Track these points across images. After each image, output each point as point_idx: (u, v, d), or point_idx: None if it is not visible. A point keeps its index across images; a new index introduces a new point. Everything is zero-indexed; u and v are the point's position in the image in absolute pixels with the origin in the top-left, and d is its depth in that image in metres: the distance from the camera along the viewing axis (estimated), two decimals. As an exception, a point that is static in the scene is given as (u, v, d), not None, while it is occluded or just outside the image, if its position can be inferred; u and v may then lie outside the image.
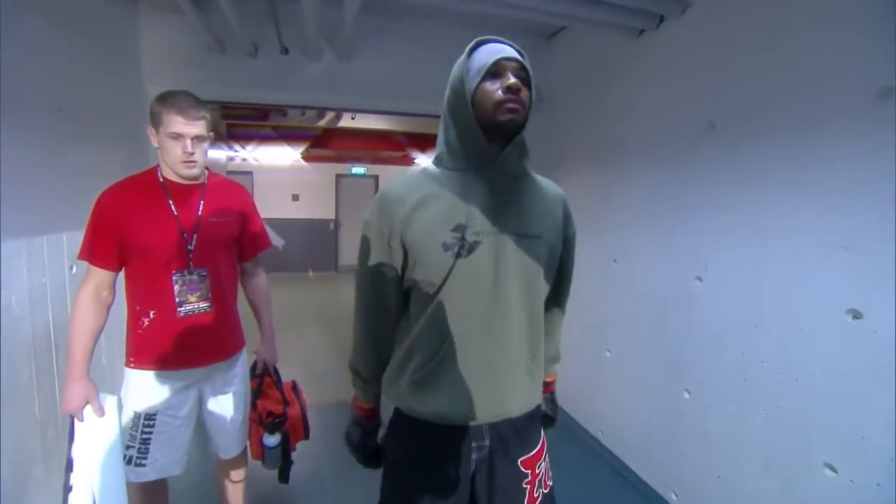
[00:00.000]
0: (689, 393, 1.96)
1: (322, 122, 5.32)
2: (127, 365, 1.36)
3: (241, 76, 2.66)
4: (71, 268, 1.74)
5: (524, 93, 0.87)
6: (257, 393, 1.61)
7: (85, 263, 1.29)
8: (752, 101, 1.65)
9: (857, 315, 1.32)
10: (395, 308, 0.98)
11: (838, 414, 1.36)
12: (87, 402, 1.22)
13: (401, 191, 0.93)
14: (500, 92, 0.85)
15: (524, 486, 0.98)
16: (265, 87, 2.72)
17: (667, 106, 2.09)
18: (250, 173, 7.97)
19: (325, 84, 2.80)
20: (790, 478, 1.50)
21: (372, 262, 0.95)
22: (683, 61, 1.99)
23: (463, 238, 0.88)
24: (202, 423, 1.51)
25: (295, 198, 8.46)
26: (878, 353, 1.26)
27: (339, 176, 8.57)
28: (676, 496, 2.02)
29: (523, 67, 0.88)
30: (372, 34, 2.76)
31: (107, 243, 1.27)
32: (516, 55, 0.88)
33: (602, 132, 2.60)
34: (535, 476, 0.99)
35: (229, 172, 6.28)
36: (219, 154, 3.76)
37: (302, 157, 7.43)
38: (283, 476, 1.67)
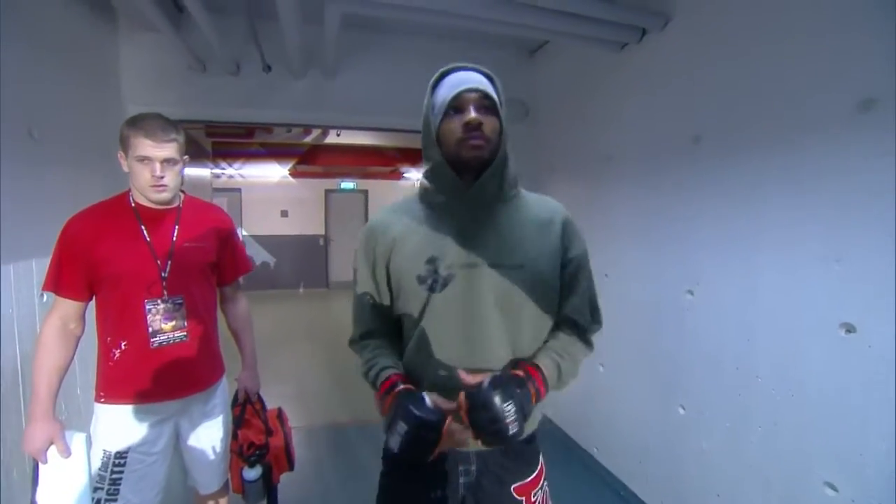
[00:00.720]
0: (685, 409, 1.92)
1: (309, 139, 5.29)
2: (97, 400, 1.29)
3: (224, 95, 2.62)
4: (41, 296, 1.67)
5: (489, 125, 0.84)
6: (238, 422, 1.54)
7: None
8: (737, 114, 1.64)
9: (850, 329, 1.29)
10: (388, 335, 1.01)
11: (836, 431, 1.33)
12: (51, 443, 1.15)
13: (384, 222, 0.96)
14: (460, 129, 0.83)
15: None
16: (248, 106, 2.69)
17: (652, 119, 2.09)
18: (238, 190, 7.91)
19: (310, 101, 2.77)
20: (790, 497, 1.46)
21: (360, 290, 0.99)
22: (666, 75, 1.99)
23: (436, 272, 0.88)
24: (180, 457, 1.43)
25: (284, 214, 8.39)
26: (874, 369, 1.23)
27: (328, 191, 8.53)
28: (674, 515, 1.97)
29: (487, 96, 0.85)
30: (355, 51, 2.75)
31: (74, 272, 1.21)
32: (478, 84, 0.85)
33: (588, 146, 2.60)
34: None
35: (216, 190, 6.21)
36: (203, 172, 3.69)
37: (290, 174, 7.39)
38: (268, 510, 1.60)
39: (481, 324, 0.89)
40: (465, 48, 2.95)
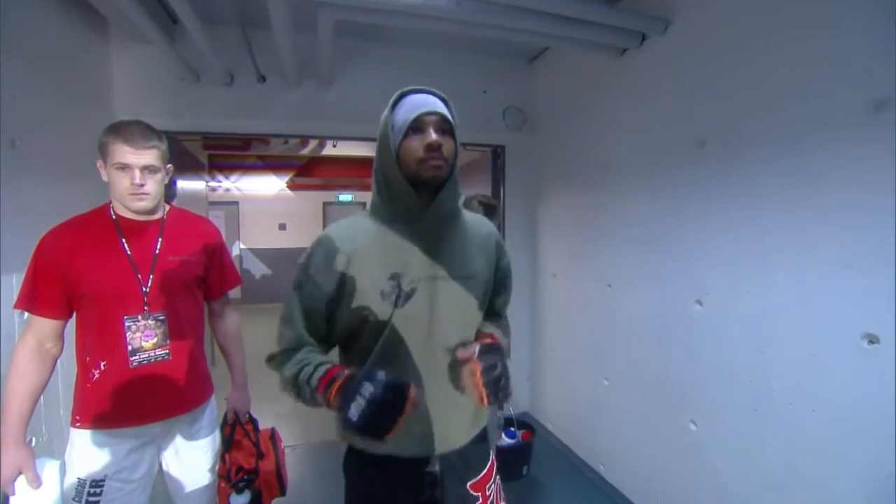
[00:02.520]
0: (696, 425, 1.84)
1: (306, 151, 5.25)
2: (72, 424, 1.20)
3: (217, 105, 2.58)
4: (23, 314, 1.59)
5: (447, 146, 0.89)
6: (227, 444, 1.46)
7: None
8: (743, 117, 1.59)
9: (873, 339, 1.22)
10: (323, 350, 1.00)
11: (863, 449, 1.25)
12: (20, 473, 1.07)
13: (339, 237, 0.94)
14: (421, 150, 0.87)
15: None
16: (242, 116, 2.64)
17: (653, 125, 2.04)
18: (236, 203, 7.86)
19: (305, 111, 2.73)
20: (817, 521, 1.37)
21: (300, 303, 0.95)
22: (668, 79, 1.95)
23: (399, 287, 0.91)
24: (163, 485, 1.35)
25: (282, 227, 8.32)
26: (902, 382, 1.16)
27: (326, 204, 8.47)
28: (688, 536, 1.87)
29: (445, 119, 0.89)
30: (351, 60, 2.72)
31: (51, 288, 1.14)
32: (438, 108, 0.89)
33: (588, 153, 2.55)
34: (485, 498, 1.03)
35: (212, 204, 6.16)
36: (199, 185, 3.64)
37: (287, 186, 7.35)
38: (257, 538, 1.50)
39: (441, 328, 0.94)
40: (462, 57, 2.93)
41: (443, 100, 0.93)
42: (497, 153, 3.17)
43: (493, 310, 1.11)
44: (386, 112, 0.91)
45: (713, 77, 1.71)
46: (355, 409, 0.75)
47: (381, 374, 0.79)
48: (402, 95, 0.92)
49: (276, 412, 3.40)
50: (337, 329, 0.97)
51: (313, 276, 0.93)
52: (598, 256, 2.48)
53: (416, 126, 0.88)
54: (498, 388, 0.85)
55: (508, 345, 1.08)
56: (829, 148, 1.32)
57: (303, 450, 2.88)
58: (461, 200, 0.98)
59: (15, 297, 1.55)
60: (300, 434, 3.02)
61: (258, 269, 8.10)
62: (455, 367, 0.94)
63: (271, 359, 1.00)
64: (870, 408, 1.23)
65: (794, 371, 1.43)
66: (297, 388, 0.92)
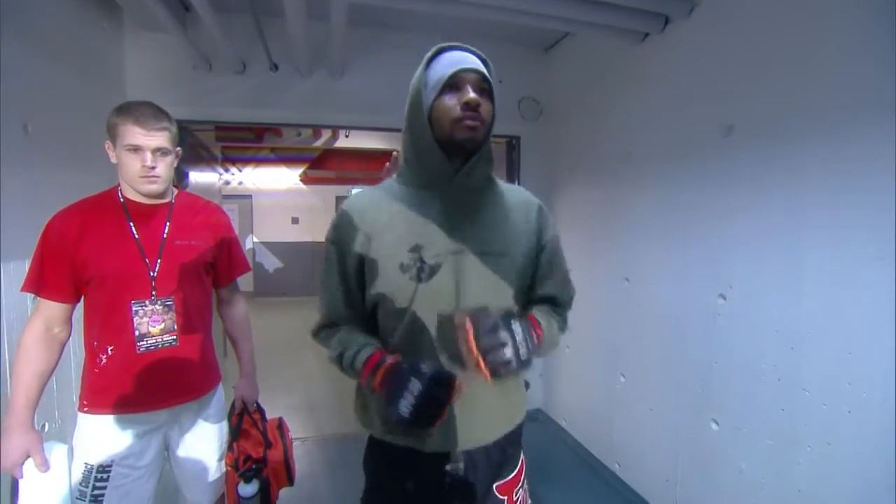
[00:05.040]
0: (718, 424, 1.77)
1: (319, 143, 5.24)
2: (80, 409, 1.18)
3: (230, 94, 2.56)
4: (34, 299, 1.59)
5: (485, 108, 0.82)
6: (235, 433, 1.43)
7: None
8: (774, 101, 1.51)
9: (916, 336, 1.14)
10: (359, 323, 0.96)
11: (902, 452, 1.17)
12: (28, 456, 1.05)
13: (360, 207, 0.91)
14: (458, 108, 0.80)
15: None
16: (255, 105, 2.62)
17: (676, 112, 1.96)
18: (249, 197, 7.91)
19: (317, 100, 2.70)
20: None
21: (331, 277, 0.93)
22: (693, 64, 1.86)
23: (421, 259, 0.84)
24: (171, 472, 1.33)
25: (295, 221, 8.35)
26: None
27: (339, 198, 8.46)
28: (708, 539, 1.81)
29: (485, 79, 0.83)
30: (363, 48, 2.68)
31: (58, 271, 1.12)
32: (477, 66, 0.83)
33: (606, 143, 2.47)
34: (512, 503, 0.97)
35: (226, 196, 6.20)
36: (213, 178, 3.65)
37: (301, 180, 7.35)
38: (266, 529, 1.48)
39: (468, 309, 0.84)
40: (478, 45, 2.81)
41: (483, 60, 0.86)
42: (512, 144, 3.11)
43: (544, 295, 0.98)
44: (420, 69, 0.85)
45: (742, 60, 1.63)
46: (405, 406, 0.75)
47: (424, 368, 0.77)
48: (439, 52, 0.86)
49: (285, 404, 3.41)
50: (369, 300, 0.92)
51: (339, 247, 0.90)
52: (615, 250, 2.41)
53: (453, 83, 0.81)
54: (500, 358, 0.75)
55: (554, 334, 0.95)
56: (869, 134, 1.24)
57: (312, 442, 2.86)
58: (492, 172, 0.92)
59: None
60: (310, 426, 3.01)
61: (271, 262, 8.15)
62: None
63: (316, 333, 0.99)
64: (912, 408, 1.16)
65: (828, 370, 1.35)
66: (343, 369, 0.91)
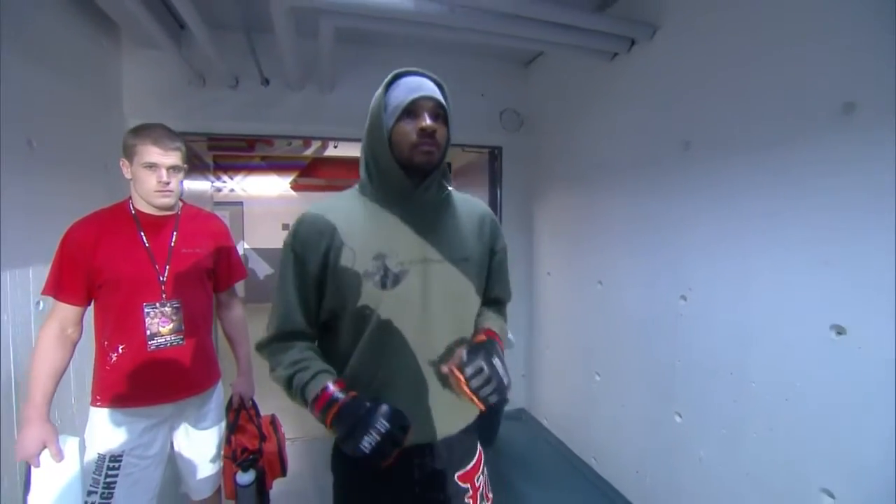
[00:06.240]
0: (681, 416, 1.91)
1: (309, 152, 5.35)
2: (92, 403, 1.30)
3: (223, 108, 2.67)
4: (37, 304, 1.68)
5: (440, 132, 0.88)
6: (233, 427, 1.54)
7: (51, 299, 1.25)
8: (725, 119, 1.67)
9: (840, 331, 1.30)
10: (312, 337, 0.98)
11: (831, 435, 1.32)
12: (45, 447, 1.16)
13: (320, 216, 0.92)
14: (415, 133, 0.86)
15: (467, 500, 1.01)
16: (247, 118, 2.73)
17: (642, 126, 2.12)
18: (240, 204, 7.96)
19: (307, 113, 2.82)
20: (789, 504, 1.45)
21: (286, 287, 0.92)
22: (656, 82, 2.03)
23: (385, 267, 0.89)
24: (173, 462, 1.43)
25: (285, 227, 8.41)
26: (865, 370, 1.23)
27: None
28: (674, 525, 1.95)
29: (441, 105, 0.89)
30: (352, 64, 2.81)
31: (74, 277, 1.24)
32: (433, 93, 0.88)
33: (581, 154, 2.63)
34: (475, 490, 1.03)
35: (217, 204, 6.26)
36: (204, 185, 3.74)
37: (291, 187, 7.44)
38: (262, 517, 1.59)
39: (434, 314, 0.93)
40: (460, 61, 3.01)
41: (438, 84, 0.91)
42: (494, 154, 3.26)
43: (492, 297, 1.09)
44: (379, 91, 0.89)
45: (698, 80, 1.79)
46: (368, 443, 0.79)
47: (385, 408, 0.82)
48: (397, 77, 0.91)
49: (276, 406, 3.48)
50: (324, 311, 0.93)
51: (299, 254, 0.91)
52: (589, 255, 2.56)
53: (411, 109, 0.86)
54: (488, 391, 0.85)
55: (506, 335, 1.07)
56: (805, 149, 1.39)
57: (301, 443, 2.97)
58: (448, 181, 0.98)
59: (31, 289, 1.66)
60: (299, 428, 3.10)
61: (262, 268, 8.19)
62: (445, 359, 0.94)
63: (261, 347, 0.97)
64: (836, 396, 1.31)
65: (770, 363, 1.51)
66: (290, 391, 0.91)
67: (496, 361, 0.88)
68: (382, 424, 0.79)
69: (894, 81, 1.16)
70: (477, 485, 1.04)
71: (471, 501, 1.02)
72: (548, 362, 3.09)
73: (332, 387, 0.86)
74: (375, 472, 0.91)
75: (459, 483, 1.01)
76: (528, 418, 3.30)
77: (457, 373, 0.87)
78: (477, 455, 1.07)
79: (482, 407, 0.88)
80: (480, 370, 0.85)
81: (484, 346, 0.91)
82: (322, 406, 0.85)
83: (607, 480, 2.41)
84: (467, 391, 0.86)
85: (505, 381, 0.88)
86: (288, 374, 0.90)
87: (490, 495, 1.09)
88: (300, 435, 3.04)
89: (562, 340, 2.93)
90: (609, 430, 2.42)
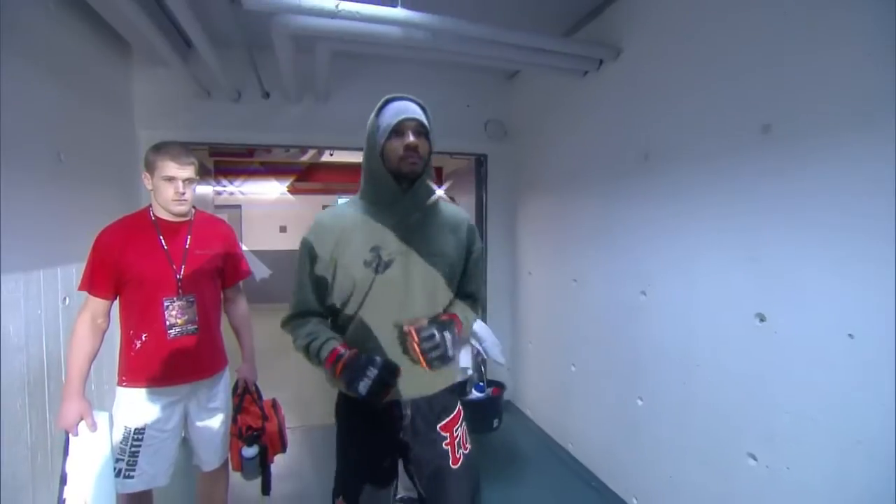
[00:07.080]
0: (642, 400, 2.12)
1: (305, 158, 5.55)
2: (119, 384, 1.50)
3: (226, 119, 2.88)
4: (64, 300, 1.88)
5: (423, 147, 1.11)
6: (238, 409, 1.74)
7: (81, 294, 1.45)
8: (676, 134, 1.89)
9: (762, 318, 1.51)
10: (322, 315, 1.24)
11: (754, 408, 1.54)
12: (82, 419, 1.36)
13: (330, 220, 1.19)
14: (401, 149, 1.09)
15: (445, 446, 1.23)
16: (249, 129, 2.94)
17: (609, 138, 2.33)
18: (239, 207, 8.13)
19: (305, 124, 3.03)
20: (723, 469, 1.66)
21: (305, 275, 1.18)
22: (620, 98, 2.24)
23: (379, 257, 1.14)
24: (186, 438, 1.64)
25: (283, 229, 8.58)
26: (780, 352, 1.45)
27: (325, 206, 8.69)
28: (637, 501, 2.15)
29: (422, 124, 1.11)
30: (346, 77, 3.01)
31: (105, 275, 1.44)
32: (416, 115, 1.11)
33: (557, 162, 2.85)
34: (453, 438, 1.25)
35: (217, 207, 6.44)
36: (206, 190, 3.93)
37: (288, 191, 7.63)
38: (265, 488, 1.78)
39: (413, 295, 1.17)
40: (447, 75, 3.22)
41: (421, 106, 1.13)
42: (480, 161, 3.47)
43: (466, 292, 1.30)
44: (372, 116, 1.13)
45: (655, 98, 2.00)
46: (364, 387, 1.03)
47: (378, 359, 1.05)
48: (387, 102, 1.14)
49: (279, 398, 3.68)
50: (333, 294, 1.18)
51: (313, 249, 1.16)
52: (565, 255, 2.77)
53: (398, 129, 1.08)
54: (434, 355, 1.06)
55: (470, 324, 1.29)
56: (734, 162, 1.61)
57: (300, 432, 3.16)
58: (434, 194, 1.19)
59: (59, 287, 1.86)
60: (298, 417, 3.30)
61: (260, 270, 8.35)
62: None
63: (284, 323, 1.24)
64: (758, 375, 1.52)
65: (711, 347, 1.72)
66: (308, 355, 1.17)
67: (447, 335, 1.09)
68: (372, 371, 1.03)
69: (805, 106, 1.38)
70: (455, 434, 1.26)
71: (448, 447, 1.23)
72: (531, 356, 3.30)
73: (339, 348, 1.11)
74: (368, 418, 1.18)
75: (441, 432, 1.23)
76: (514, 409, 3.49)
77: (413, 334, 1.07)
78: (456, 410, 1.29)
79: (426, 366, 1.08)
80: (432, 336, 1.06)
81: (444, 322, 1.13)
82: (332, 361, 1.10)
83: (582, 463, 2.61)
84: (417, 349, 1.07)
85: (450, 353, 1.08)
86: (306, 342, 1.16)
87: (468, 445, 1.30)
88: (299, 424, 3.24)
89: (542, 335, 3.14)
90: (583, 417, 2.63)
